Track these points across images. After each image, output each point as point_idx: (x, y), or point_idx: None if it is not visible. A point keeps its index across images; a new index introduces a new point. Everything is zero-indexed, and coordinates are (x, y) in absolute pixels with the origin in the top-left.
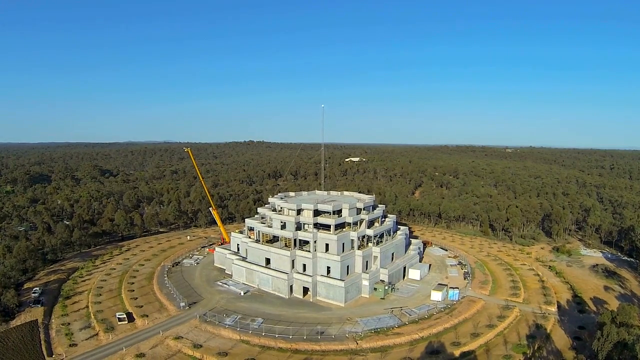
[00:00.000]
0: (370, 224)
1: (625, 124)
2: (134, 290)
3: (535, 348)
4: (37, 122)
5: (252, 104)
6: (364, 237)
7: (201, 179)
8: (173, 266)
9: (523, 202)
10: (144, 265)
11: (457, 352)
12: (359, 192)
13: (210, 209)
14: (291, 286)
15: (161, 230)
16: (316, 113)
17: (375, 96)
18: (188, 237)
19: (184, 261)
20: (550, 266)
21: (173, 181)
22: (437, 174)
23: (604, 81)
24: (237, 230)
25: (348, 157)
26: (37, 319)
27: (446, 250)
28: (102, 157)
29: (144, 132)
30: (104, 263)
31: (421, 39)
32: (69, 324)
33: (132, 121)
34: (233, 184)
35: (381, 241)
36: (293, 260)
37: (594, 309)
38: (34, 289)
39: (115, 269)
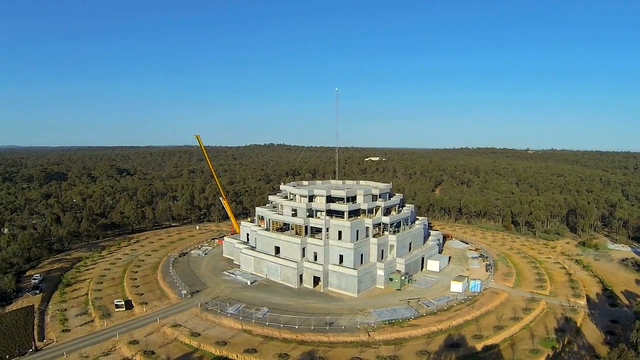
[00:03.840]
0: (387, 211)
1: None
2: (136, 279)
3: (565, 342)
4: (57, 126)
5: (273, 109)
6: (379, 225)
7: (210, 165)
8: (180, 256)
9: (547, 197)
10: (150, 255)
11: (479, 346)
12: None
13: (220, 198)
14: (301, 275)
15: (173, 224)
16: (336, 116)
17: (395, 100)
18: (197, 227)
19: (192, 252)
20: (577, 260)
21: (189, 179)
22: (457, 172)
23: (626, 84)
24: (248, 220)
25: (367, 157)
26: (33, 305)
27: (467, 243)
28: (120, 158)
29: (165, 136)
30: (111, 254)
31: (439, 50)
32: (65, 310)
33: (153, 125)
34: (250, 181)
35: (398, 230)
36: (304, 249)
37: (627, 302)
38: (34, 275)
39: (120, 259)
